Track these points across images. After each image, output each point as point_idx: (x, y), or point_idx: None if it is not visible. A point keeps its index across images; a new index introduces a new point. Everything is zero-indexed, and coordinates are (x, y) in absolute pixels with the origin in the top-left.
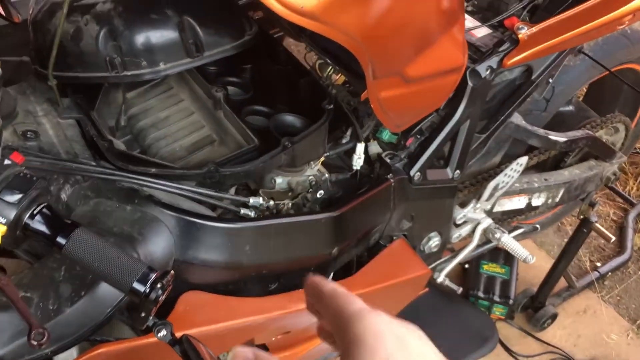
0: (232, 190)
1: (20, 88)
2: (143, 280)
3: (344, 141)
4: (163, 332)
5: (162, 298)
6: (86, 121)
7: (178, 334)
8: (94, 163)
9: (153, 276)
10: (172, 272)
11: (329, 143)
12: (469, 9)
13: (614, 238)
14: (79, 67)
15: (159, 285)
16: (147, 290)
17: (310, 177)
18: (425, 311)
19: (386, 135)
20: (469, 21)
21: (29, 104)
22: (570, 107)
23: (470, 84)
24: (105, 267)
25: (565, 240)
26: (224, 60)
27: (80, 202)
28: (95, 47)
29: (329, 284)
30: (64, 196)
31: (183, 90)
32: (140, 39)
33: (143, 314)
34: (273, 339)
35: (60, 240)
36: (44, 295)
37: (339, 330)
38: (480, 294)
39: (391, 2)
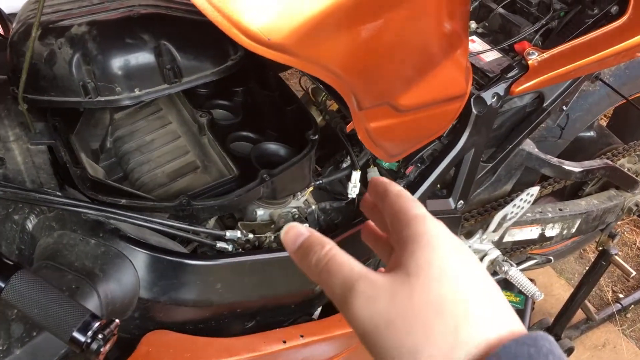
0: (212, 220)
1: None
2: (84, 330)
3: (344, 165)
4: None
5: (106, 349)
6: (59, 147)
7: None
8: (59, 193)
9: (95, 325)
10: (117, 321)
11: (330, 167)
12: (479, 30)
13: (634, 273)
14: (53, 91)
15: (100, 336)
16: (89, 341)
17: (293, 210)
18: None
19: (386, 162)
20: (478, 44)
21: (1, 128)
22: (592, 133)
23: (474, 111)
24: (45, 314)
25: (587, 268)
26: (215, 82)
27: (44, 233)
28: (68, 71)
29: (396, 186)
30: (29, 226)
31: (171, 112)
32: (114, 64)
33: None
34: None
35: None
36: None
37: (398, 229)
38: None
39: (376, 31)
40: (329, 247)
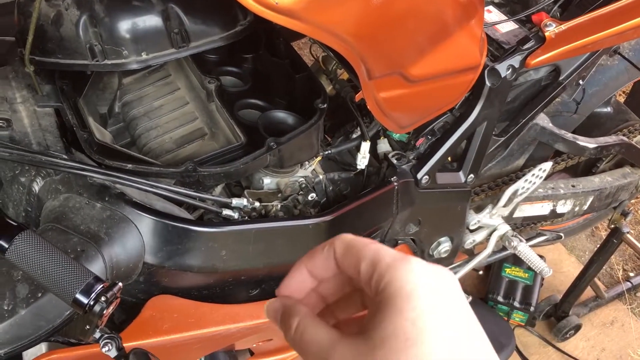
0: (219, 188)
1: (3, 72)
2: (87, 292)
3: (354, 136)
4: (108, 347)
5: (109, 311)
6: (65, 110)
7: (129, 346)
8: (65, 156)
9: (99, 287)
10: (120, 284)
11: (340, 137)
12: (496, 0)
13: None
14: (60, 53)
15: (103, 299)
16: (92, 303)
17: (300, 180)
18: None
19: (396, 134)
20: (494, 14)
21: (9, 89)
22: (608, 109)
23: (488, 83)
24: (48, 276)
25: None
26: (224, 49)
27: (50, 195)
28: (75, 33)
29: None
30: (35, 188)
31: (180, 78)
32: (121, 26)
33: (88, 327)
34: (254, 345)
35: (3, 243)
36: (0, 294)
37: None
38: (500, 299)
39: None
40: (298, 319)
